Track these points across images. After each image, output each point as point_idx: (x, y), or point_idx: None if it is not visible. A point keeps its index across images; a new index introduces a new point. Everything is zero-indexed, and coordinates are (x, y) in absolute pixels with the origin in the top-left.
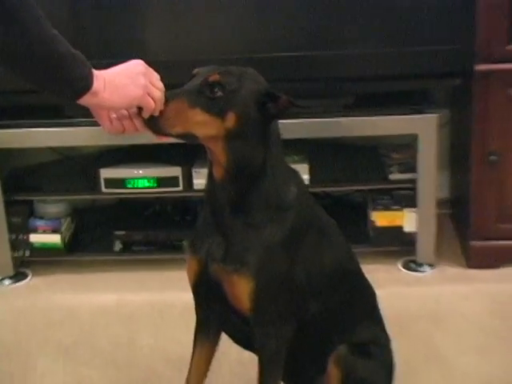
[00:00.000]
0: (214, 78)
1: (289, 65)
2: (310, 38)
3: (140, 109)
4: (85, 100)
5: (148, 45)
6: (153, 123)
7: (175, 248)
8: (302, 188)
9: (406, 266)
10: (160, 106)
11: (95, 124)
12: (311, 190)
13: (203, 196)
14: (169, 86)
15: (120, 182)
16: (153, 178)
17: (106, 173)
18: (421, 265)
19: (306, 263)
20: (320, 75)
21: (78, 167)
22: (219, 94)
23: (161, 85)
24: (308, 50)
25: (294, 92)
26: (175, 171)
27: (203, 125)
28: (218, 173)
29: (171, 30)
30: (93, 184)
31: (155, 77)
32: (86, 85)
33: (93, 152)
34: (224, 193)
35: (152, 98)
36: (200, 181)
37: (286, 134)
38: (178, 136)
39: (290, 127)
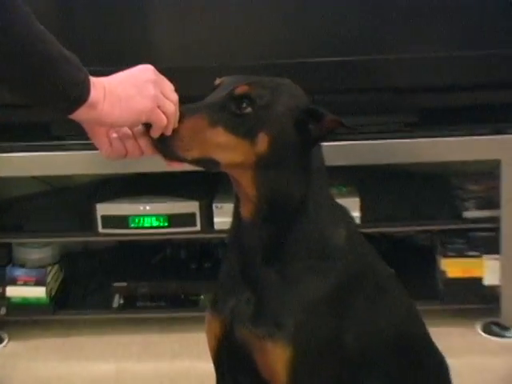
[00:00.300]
0: (242, 89)
1: (334, 73)
2: (360, 39)
3: (148, 126)
4: (79, 114)
5: (158, 47)
6: (164, 145)
7: (191, 304)
8: (351, 229)
9: (487, 330)
10: (173, 124)
11: (91, 147)
12: (363, 230)
13: (227, 239)
14: (185, 100)
15: (121, 221)
16: (163, 215)
17: (103, 209)
18: (506, 328)
19: (358, 327)
20: (374, 85)
21: (69, 201)
22: (248, 110)
23: (175, 97)
24: (358, 53)
25: (341, 107)
26: (191, 207)
27: (227, 149)
28: (247, 210)
29: (187, 28)
30: (87, 223)
31: (168, 86)
32: (82, 94)
33: (88, 182)
34: (254, 236)
35: (164, 113)
36: (223, 219)
37: (332, 160)
38: (195, 162)
39: (337, 151)
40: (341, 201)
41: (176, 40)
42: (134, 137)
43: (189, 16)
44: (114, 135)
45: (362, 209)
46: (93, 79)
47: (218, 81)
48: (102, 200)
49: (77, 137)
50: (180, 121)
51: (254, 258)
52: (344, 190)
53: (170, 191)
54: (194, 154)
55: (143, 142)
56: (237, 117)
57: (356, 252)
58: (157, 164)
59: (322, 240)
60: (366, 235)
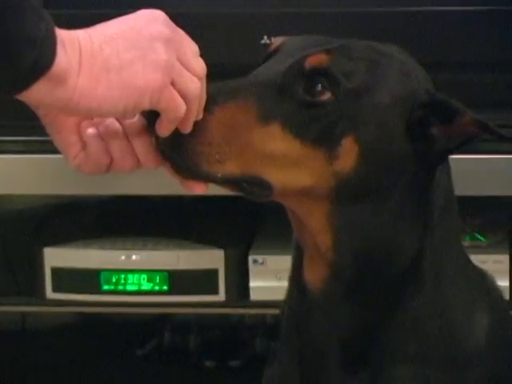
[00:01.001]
0: (318, 60)
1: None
2: None
3: (152, 117)
4: (35, 92)
5: None
6: (178, 151)
7: None
8: (497, 312)
9: None
10: (197, 113)
11: (43, 148)
12: None
13: (281, 320)
14: (217, 74)
15: (87, 279)
16: (160, 272)
17: (56, 256)
18: None
19: None
20: None
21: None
22: (326, 96)
23: (201, 67)
24: None
25: (479, 96)
26: (211, 259)
27: (287, 163)
28: (316, 274)
29: None
30: (28, 281)
31: (190, 49)
32: (41, 58)
33: (31, 209)
34: (328, 319)
35: (181, 95)
36: (265, 283)
37: (461, 189)
38: (230, 183)
39: (468, 172)
40: (476, 261)
41: None
42: (126, 135)
43: None
44: (92, 131)
45: None
46: (62, 33)
47: (274, 42)
48: (55, 241)
49: (16, 130)
50: (208, 110)
51: (326, 357)
52: (484, 240)
53: (174, 230)
54: (230, 168)
55: (141, 145)
56: (306, 108)
57: (504, 356)
58: (156, 183)
59: (446, 333)
60: None
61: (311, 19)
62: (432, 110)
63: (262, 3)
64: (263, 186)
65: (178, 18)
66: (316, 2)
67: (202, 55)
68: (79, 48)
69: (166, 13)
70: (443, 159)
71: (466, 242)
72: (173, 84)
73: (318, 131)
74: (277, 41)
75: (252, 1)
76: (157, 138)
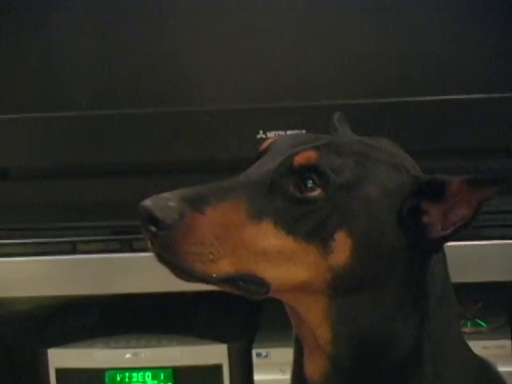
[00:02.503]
0: (307, 157)
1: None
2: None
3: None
4: None
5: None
6: (172, 253)
7: None
8: None
9: None
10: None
11: (49, 250)
12: None
13: None
14: (210, 172)
15: (93, 379)
16: (165, 368)
17: (60, 357)
18: None
19: None
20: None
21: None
22: (317, 192)
23: None
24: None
25: None
26: (215, 354)
27: (281, 259)
28: (315, 367)
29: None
30: (33, 383)
31: None
32: None
33: (34, 309)
34: None
35: None
36: (270, 376)
37: (460, 275)
38: (225, 283)
39: (466, 257)
40: (478, 347)
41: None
42: None
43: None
44: None
45: None
46: None
47: (265, 143)
48: (58, 342)
49: (16, 233)
50: (199, 210)
51: None
52: (485, 326)
53: (176, 326)
54: (224, 267)
55: None
56: (297, 204)
57: None
58: (157, 280)
59: None
60: None
61: (307, 113)
62: (422, 195)
63: (257, 99)
64: (259, 283)
65: (176, 116)
66: (312, 96)
67: (200, 151)
68: None
69: (165, 111)
70: (438, 248)
71: (467, 329)
72: None
73: (311, 227)
74: (267, 140)
75: (248, 97)
76: (152, 241)
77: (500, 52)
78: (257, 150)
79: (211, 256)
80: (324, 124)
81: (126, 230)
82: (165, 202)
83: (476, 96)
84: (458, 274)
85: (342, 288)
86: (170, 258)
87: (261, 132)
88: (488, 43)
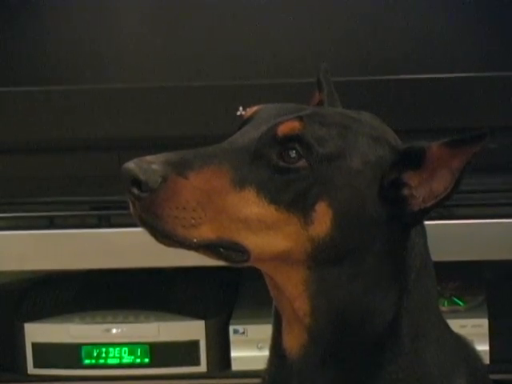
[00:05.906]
0: (291, 127)
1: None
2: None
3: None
4: None
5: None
6: (154, 216)
7: None
8: (477, 378)
9: None
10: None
11: (27, 224)
12: (495, 377)
13: None
14: (195, 141)
15: (69, 354)
16: (141, 344)
17: (36, 331)
18: None
19: None
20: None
21: None
22: (300, 163)
23: None
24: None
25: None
26: (191, 330)
27: (262, 228)
28: (294, 340)
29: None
30: (8, 357)
31: None
32: None
33: (10, 283)
34: None
35: None
36: (247, 353)
37: (439, 254)
38: (205, 248)
39: (447, 235)
40: (455, 326)
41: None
42: None
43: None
44: None
45: (494, 339)
46: None
47: (249, 110)
48: (35, 317)
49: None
50: (183, 175)
51: None
52: (462, 305)
53: (154, 302)
54: (205, 233)
55: None
56: (280, 173)
57: None
58: (135, 256)
59: None
60: None
61: (287, 89)
62: (402, 165)
63: (237, 75)
64: (240, 250)
65: (156, 92)
66: (292, 73)
67: (179, 126)
68: None
69: (145, 86)
70: (419, 221)
71: (445, 307)
72: None
73: (292, 197)
74: (252, 108)
75: (227, 73)
76: (134, 203)
77: (485, 31)
78: (241, 119)
79: (193, 221)
80: (304, 101)
81: (103, 206)
82: (148, 165)
83: (461, 75)
84: (436, 253)
85: (321, 259)
86: (152, 221)
87: (240, 109)
88: (474, 21)
